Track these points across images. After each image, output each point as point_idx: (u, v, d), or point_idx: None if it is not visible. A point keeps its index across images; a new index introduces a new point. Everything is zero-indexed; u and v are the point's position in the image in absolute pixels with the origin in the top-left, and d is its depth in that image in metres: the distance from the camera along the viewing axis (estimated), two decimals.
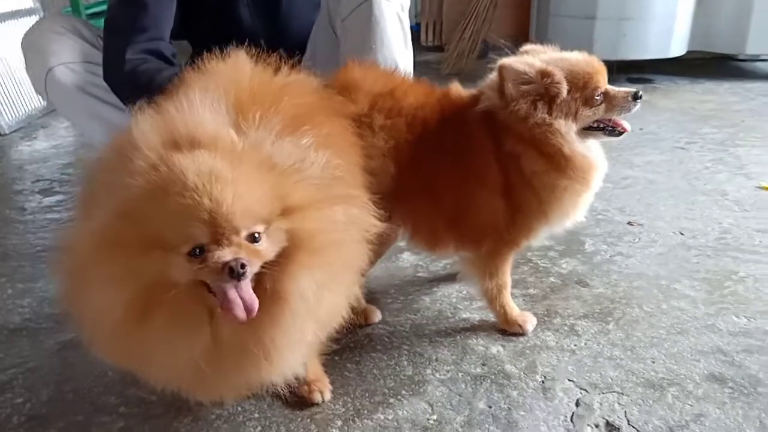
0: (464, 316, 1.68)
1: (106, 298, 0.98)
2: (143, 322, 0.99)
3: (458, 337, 1.59)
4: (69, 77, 2.00)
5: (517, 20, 4.97)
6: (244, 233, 0.97)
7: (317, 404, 1.36)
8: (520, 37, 4.90)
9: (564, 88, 1.35)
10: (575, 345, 1.54)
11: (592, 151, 1.43)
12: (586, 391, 1.38)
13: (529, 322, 1.59)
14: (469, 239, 1.49)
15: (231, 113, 1.08)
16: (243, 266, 0.94)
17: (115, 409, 1.37)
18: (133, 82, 1.77)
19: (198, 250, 0.95)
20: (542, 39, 4.66)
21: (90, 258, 0.98)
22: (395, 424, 1.31)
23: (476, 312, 1.69)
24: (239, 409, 1.36)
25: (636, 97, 1.40)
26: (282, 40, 1.70)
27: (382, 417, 1.33)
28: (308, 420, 1.32)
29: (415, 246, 1.59)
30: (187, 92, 1.11)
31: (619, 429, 1.28)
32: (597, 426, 1.29)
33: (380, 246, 1.48)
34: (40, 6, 4.25)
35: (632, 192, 2.47)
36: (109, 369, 1.49)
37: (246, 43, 1.27)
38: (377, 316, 1.65)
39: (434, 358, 1.51)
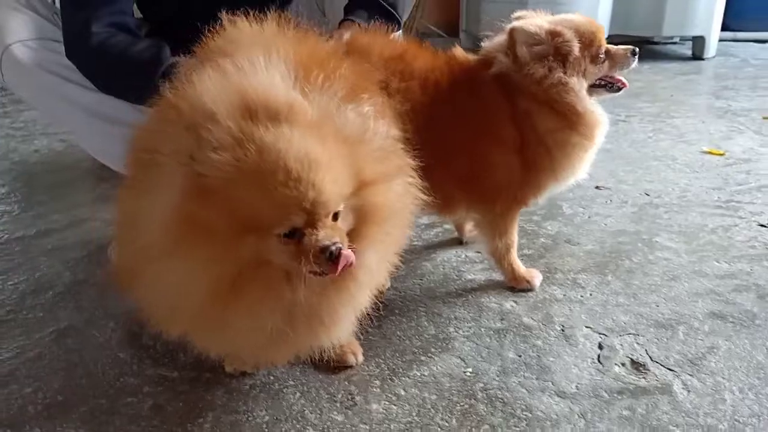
0: (469, 277, 1.71)
1: (192, 279, 0.95)
2: (232, 298, 0.96)
3: (470, 296, 1.62)
4: (28, 55, 1.86)
5: (447, 7, 5.08)
6: (331, 215, 0.96)
7: (351, 367, 1.34)
8: (450, 22, 5.01)
9: (575, 46, 1.41)
10: (581, 296, 1.60)
11: (598, 108, 1.49)
12: (605, 335, 1.44)
13: (536, 277, 1.64)
14: (485, 199, 1.52)
15: (294, 77, 1.01)
16: (340, 250, 0.94)
17: (139, 389, 1.30)
18: (102, 56, 1.67)
19: (291, 234, 0.94)
20: (473, 25, 4.78)
21: (168, 238, 0.93)
22: (433, 378, 1.32)
23: (480, 273, 1.72)
24: (271, 378, 1.33)
25: (634, 53, 1.48)
26: None
27: (418, 374, 1.33)
28: (346, 382, 1.31)
29: (427, 210, 1.59)
30: (246, 52, 1.04)
31: (644, 365, 1.34)
32: (623, 364, 1.35)
33: None
34: None
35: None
36: (118, 351, 1.42)
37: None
38: (387, 282, 1.64)
39: (453, 316, 1.53)
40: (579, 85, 1.43)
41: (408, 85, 1.42)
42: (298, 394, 1.28)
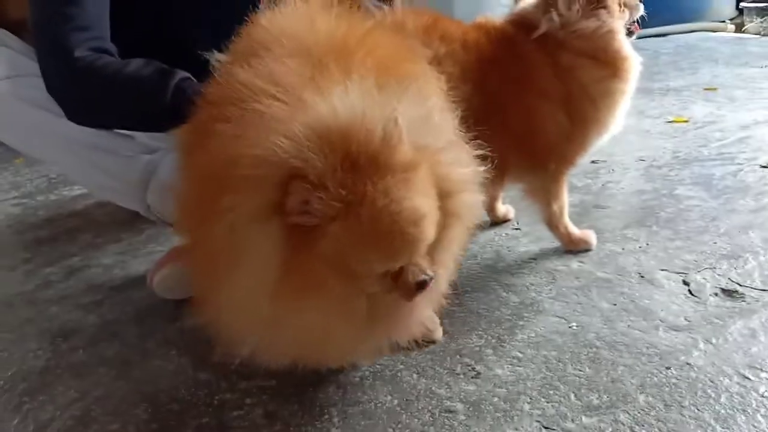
0: (522, 249, 1.69)
1: (321, 321, 0.94)
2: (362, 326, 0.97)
3: (533, 264, 1.59)
4: (9, 92, 1.71)
5: None
6: None
7: (435, 342, 1.29)
8: None
9: None
10: (639, 247, 1.62)
11: (633, 56, 1.53)
12: (684, 273, 1.46)
13: (592, 236, 1.64)
14: (538, 159, 1.51)
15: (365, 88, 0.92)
16: (432, 279, 0.92)
17: (241, 402, 1.18)
18: (91, 82, 1.55)
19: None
20: None
21: (285, 292, 0.90)
22: (543, 338, 1.28)
23: (531, 244, 1.71)
24: (379, 366, 1.24)
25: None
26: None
27: (525, 336, 1.29)
28: (458, 356, 1.25)
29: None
30: (328, 84, 0.93)
31: (736, 291, 1.36)
32: (716, 294, 1.36)
33: None
34: None
35: None
36: (196, 374, 1.29)
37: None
38: None
39: (528, 283, 1.50)
40: (621, 30, 1.47)
41: (452, 48, 1.40)
42: (415, 375, 1.20)
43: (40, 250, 2.21)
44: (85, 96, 1.60)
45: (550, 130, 1.49)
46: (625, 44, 1.48)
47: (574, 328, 1.30)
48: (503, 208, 1.86)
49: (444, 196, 0.94)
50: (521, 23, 1.50)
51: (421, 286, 0.91)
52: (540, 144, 1.50)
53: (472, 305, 1.42)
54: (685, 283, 1.41)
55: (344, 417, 1.10)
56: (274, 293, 0.90)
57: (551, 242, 1.66)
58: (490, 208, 1.87)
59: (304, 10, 1.14)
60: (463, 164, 1.00)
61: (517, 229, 1.81)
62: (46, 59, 1.60)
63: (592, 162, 2.34)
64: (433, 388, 1.15)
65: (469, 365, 1.21)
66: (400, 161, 0.88)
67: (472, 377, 1.18)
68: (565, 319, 1.33)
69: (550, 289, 1.46)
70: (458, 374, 1.19)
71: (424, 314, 1.12)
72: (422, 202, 0.90)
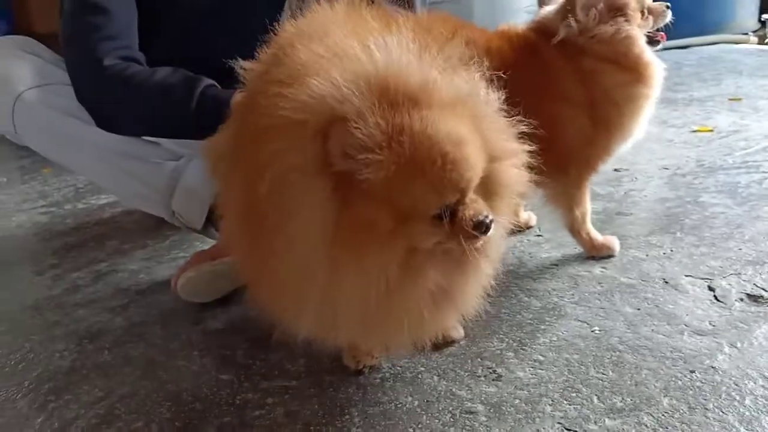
0: (544, 255, 1.68)
1: (364, 283, 0.90)
2: (394, 298, 0.93)
3: (555, 270, 1.59)
4: (40, 100, 1.76)
5: None
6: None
7: (456, 342, 1.29)
8: None
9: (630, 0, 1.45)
10: (663, 253, 1.60)
11: (656, 58, 1.53)
12: (709, 279, 1.44)
13: (615, 242, 1.63)
14: (559, 165, 1.50)
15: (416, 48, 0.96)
16: (491, 221, 0.92)
17: (263, 402, 1.19)
18: (120, 89, 1.59)
19: (445, 213, 0.90)
20: None
21: (330, 253, 0.89)
22: (566, 341, 1.27)
23: (553, 251, 1.70)
24: (398, 368, 1.25)
25: (668, 6, 1.53)
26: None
27: (546, 340, 1.28)
28: (479, 359, 1.24)
29: None
30: (368, 35, 0.97)
31: (762, 296, 1.34)
32: (742, 299, 1.34)
33: None
34: None
35: None
36: (218, 374, 1.30)
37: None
38: None
39: (550, 288, 1.49)
40: (641, 37, 1.47)
41: (475, 55, 1.41)
42: (436, 377, 1.20)
43: (67, 256, 2.26)
44: (114, 104, 1.63)
45: (572, 135, 1.49)
46: (646, 50, 1.48)
47: (597, 332, 1.29)
48: (525, 215, 1.85)
49: (490, 160, 0.95)
50: (542, 30, 1.51)
51: (480, 227, 0.90)
52: (562, 149, 1.49)
53: (492, 309, 1.41)
54: (710, 288, 1.40)
55: (365, 417, 1.11)
56: (328, 256, 0.88)
57: (574, 248, 1.66)
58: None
59: (331, 13, 1.15)
60: (507, 136, 1.02)
61: (539, 235, 1.81)
62: (76, 68, 1.64)
63: (615, 170, 2.32)
64: (454, 390, 1.15)
65: (490, 368, 1.21)
66: (438, 99, 0.90)
67: (493, 379, 1.17)
68: (588, 324, 1.32)
69: (573, 294, 1.45)
70: (479, 377, 1.19)
71: (484, 281, 1.08)
72: (462, 128, 0.90)
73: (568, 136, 1.49)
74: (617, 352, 1.21)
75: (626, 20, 1.45)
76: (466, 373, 1.20)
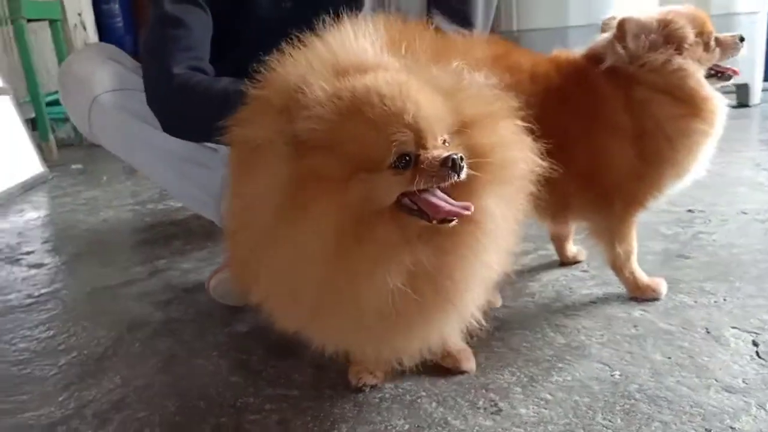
0: (584, 292, 1.60)
1: (311, 236, 0.90)
2: (351, 256, 0.90)
3: (591, 308, 1.51)
4: (113, 103, 1.89)
5: None
6: (439, 139, 0.93)
7: (466, 372, 1.25)
8: None
9: (690, 32, 1.37)
10: (714, 301, 1.48)
11: (717, 93, 1.43)
12: (757, 333, 1.32)
13: (662, 285, 1.53)
14: (602, 197, 1.44)
15: (384, 44, 1.03)
16: (462, 158, 0.89)
17: (261, 407, 1.20)
18: (184, 95, 1.66)
19: (404, 162, 0.90)
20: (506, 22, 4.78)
21: (283, 207, 0.91)
22: (579, 383, 1.20)
23: (595, 288, 1.62)
24: (400, 390, 1.22)
25: (742, 39, 1.43)
26: None
27: (560, 379, 1.22)
28: (484, 390, 1.20)
29: (540, 216, 1.52)
30: (338, 28, 1.05)
31: None
32: None
33: None
34: (8, 86, 4.11)
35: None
36: (229, 376, 1.33)
37: None
38: (499, 300, 1.55)
39: (580, 327, 1.42)
40: (698, 71, 1.38)
41: (519, 79, 1.38)
42: (434, 403, 1.17)
43: (136, 251, 2.41)
44: (179, 109, 1.72)
45: (617, 167, 1.41)
46: (704, 84, 1.39)
47: (617, 377, 1.21)
48: (574, 249, 1.78)
49: (464, 125, 0.96)
50: (593, 57, 1.45)
51: (446, 162, 0.87)
52: (606, 181, 1.43)
53: (513, 341, 1.37)
54: (755, 343, 1.28)
55: None
56: (283, 215, 0.90)
57: (618, 288, 1.57)
58: (560, 248, 1.79)
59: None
60: (486, 103, 1.02)
61: (585, 271, 1.72)
62: (148, 74, 1.75)
63: (689, 211, 2.19)
64: (449, 419, 1.12)
65: (493, 401, 1.16)
66: (386, 67, 0.96)
67: (492, 413, 1.12)
68: (610, 367, 1.24)
69: (602, 335, 1.37)
70: (479, 408, 1.14)
71: (486, 274, 1.04)
72: (406, 79, 0.93)
73: (613, 168, 1.42)
74: (632, 401, 1.13)
75: (679, 53, 1.36)
76: (467, 403, 1.16)
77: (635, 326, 1.39)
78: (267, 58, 1.06)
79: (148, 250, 2.36)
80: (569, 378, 1.22)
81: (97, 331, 1.62)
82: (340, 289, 0.93)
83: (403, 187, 0.91)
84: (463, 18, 1.80)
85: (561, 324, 1.43)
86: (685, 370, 1.21)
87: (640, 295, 1.52)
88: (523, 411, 1.12)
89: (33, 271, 2.17)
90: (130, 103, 1.89)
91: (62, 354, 1.50)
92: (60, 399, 1.28)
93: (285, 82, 0.96)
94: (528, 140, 1.07)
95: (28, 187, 3.68)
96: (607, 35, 1.45)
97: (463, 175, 0.90)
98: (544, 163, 1.09)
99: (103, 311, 1.76)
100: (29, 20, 4.64)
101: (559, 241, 1.77)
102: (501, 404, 1.15)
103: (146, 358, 1.44)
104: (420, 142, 0.90)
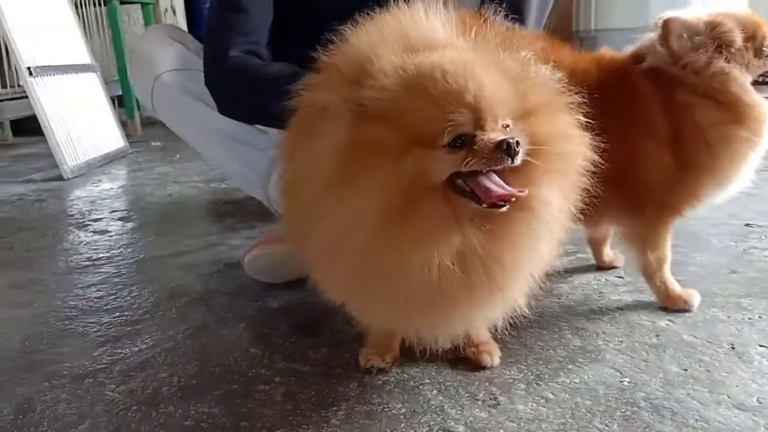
0: (613, 297, 1.57)
1: (359, 205, 0.92)
2: (397, 230, 0.91)
3: (616, 314, 1.48)
4: (174, 82, 1.99)
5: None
6: (500, 123, 0.93)
7: (485, 368, 1.25)
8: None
9: (738, 36, 1.32)
10: (749, 318, 1.42)
11: (766, 102, 1.37)
12: None
13: (694, 296, 1.48)
14: (635, 201, 1.41)
15: (454, 25, 1.04)
16: (518, 143, 0.89)
17: (271, 379, 1.25)
18: (236, 77, 1.72)
19: (460, 142, 0.90)
20: (586, 23, 4.61)
21: (338, 170, 0.93)
22: (585, 386, 1.18)
23: (625, 294, 1.58)
24: (405, 375, 1.24)
25: None
26: None
27: (567, 380, 1.21)
28: (487, 383, 1.20)
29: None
30: (410, 6, 1.06)
31: None
32: None
33: None
34: (96, 64, 4.35)
35: (735, 202, 2.37)
36: (249, 347, 1.39)
37: None
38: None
39: (600, 331, 1.39)
40: (743, 76, 1.32)
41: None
42: (435, 391, 1.18)
43: (192, 225, 2.53)
44: (231, 91, 1.80)
45: (651, 170, 1.38)
46: (750, 90, 1.33)
47: (625, 383, 1.19)
48: (611, 254, 1.74)
49: (527, 113, 0.97)
50: (637, 57, 1.42)
51: (501, 145, 0.88)
52: (639, 185, 1.39)
53: (529, 339, 1.36)
54: None
55: (350, 413, 1.13)
56: (337, 178, 0.92)
57: (651, 297, 1.52)
58: (596, 252, 1.76)
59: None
60: (551, 94, 1.03)
61: (620, 277, 1.69)
62: (207, 56, 1.83)
63: (746, 225, 2.09)
64: (446, 407, 1.13)
65: (493, 394, 1.17)
66: (455, 46, 0.97)
67: (490, 406, 1.13)
68: (621, 373, 1.22)
69: (620, 341, 1.34)
70: (477, 400, 1.15)
71: (535, 265, 1.03)
72: (473, 58, 0.94)
73: (647, 171, 1.38)
74: (635, 408, 1.11)
75: (725, 57, 1.31)
76: (467, 394, 1.17)
77: (657, 335, 1.36)
78: (325, 45, 1.10)
79: (203, 225, 2.48)
80: (576, 380, 1.20)
81: (141, 295, 1.72)
82: (385, 260, 0.94)
83: (456, 166, 0.91)
84: (515, 12, 1.78)
85: (581, 327, 1.41)
86: (699, 384, 1.17)
87: (670, 304, 1.47)
88: (521, 407, 1.12)
89: (96, 237, 2.32)
90: (189, 82, 1.99)
91: (105, 313, 1.61)
92: (94, 354, 1.38)
93: (356, 52, 0.99)
94: (586, 136, 1.06)
95: (109, 160, 3.92)
96: (653, 34, 1.41)
97: (518, 161, 0.91)
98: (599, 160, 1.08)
99: (151, 278, 1.87)
100: (122, 2, 4.91)
101: (595, 245, 1.74)
102: (501, 398, 1.15)
103: (178, 325, 1.52)
104: (478, 122, 0.91)
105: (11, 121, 4.94)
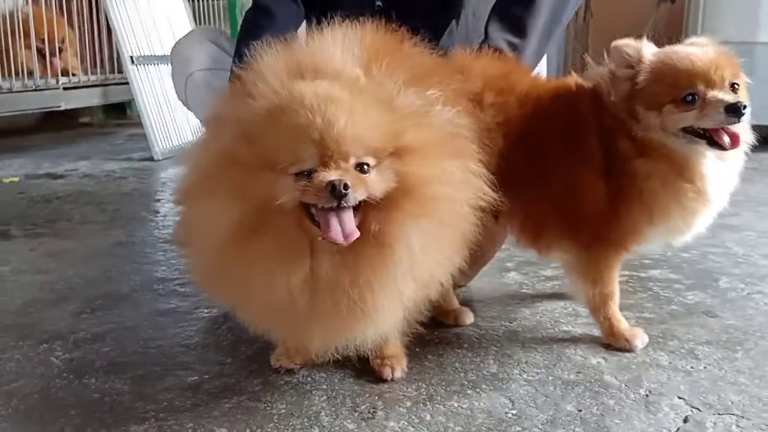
0: (565, 328, 1.53)
1: (217, 213, 1.00)
2: (247, 245, 0.99)
3: (554, 345, 1.45)
4: (205, 80, 2.15)
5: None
6: (352, 161, 0.97)
7: (386, 380, 1.28)
8: None
9: (642, 77, 1.26)
10: (692, 367, 1.34)
11: (705, 157, 1.27)
12: (699, 410, 1.18)
13: (639, 338, 1.41)
14: (575, 231, 1.36)
15: (362, 55, 1.09)
16: (346, 186, 0.93)
17: (192, 366, 1.37)
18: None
19: (306, 173, 0.96)
20: None
21: (207, 175, 1.04)
22: (468, 412, 1.19)
23: (579, 327, 1.54)
24: (309, 378, 1.31)
25: (732, 109, 1.20)
26: None
27: (455, 405, 1.22)
28: (376, 397, 1.24)
29: (520, 241, 1.48)
30: (320, 31, 1.13)
31: None
32: None
33: (485, 248, 1.42)
34: None
35: None
36: (196, 335, 1.51)
37: None
38: (469, 318, 1.55)
39: (524, 360, 1.38)
40: (649, 118, 1.27)
41: (506, 100, 1.36)
42: (324, 397, 1.24)
43: None
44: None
45: (588, 200, 1.34)
46: (651, 132, 1.28)
47: (510, 416, 1.17)
48: None
49: (401, 151, 1.00)
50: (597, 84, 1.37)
51: (330, 187, 0.92)
52: (578, 214, 1.35)
53: (447, 359, 1.39)
54: (686, 420, 1.15)
55: (235, 406, 1.21)
56: (210, 187, 1.03)
57: None
58: None
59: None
60: (434, 136, 1.05)
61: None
62: (235, 56, 1.99)
63: None
64: (321, 414, 1.18)
65: (375, 408, 1.20)
66: (337, 74, 1.03)
67: (364, 418, 1.17)
68: (512, 404, 1.21)
69: (537, 373, 1.32)
70: (357, 411, 1.19)
71: (388, 302, 1.05)
72: (344, 96, 0.97)
73: (584, 201, 1.35)
74: None
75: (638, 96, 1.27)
76: (350, 404, 1.22)
77: (578, 372, 1.32)
78: None
79: None
80: (465, 405, 1.21)
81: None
82: (231, 273, 1.04)
83: (300, 194, 0.97)
84: (517, 26, 1.75)
85: (509, 354, 1.40)
86: (582, 427, 1.14)
87: (613, 342, 1.42)
88: (392, 424, 1.15)
89: (151, 216, 2.57)
90: (218, 81, 2.14)
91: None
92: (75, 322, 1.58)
93: (256, 70, 1.08)
94: (476, 183, 1.07)
95: None
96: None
97: (350, 202, 0.95)
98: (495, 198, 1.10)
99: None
100: None
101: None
102: (379, 413, 1.19)
103: (152, 305, 1.68)
104: (323, 158, 0.96)
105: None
